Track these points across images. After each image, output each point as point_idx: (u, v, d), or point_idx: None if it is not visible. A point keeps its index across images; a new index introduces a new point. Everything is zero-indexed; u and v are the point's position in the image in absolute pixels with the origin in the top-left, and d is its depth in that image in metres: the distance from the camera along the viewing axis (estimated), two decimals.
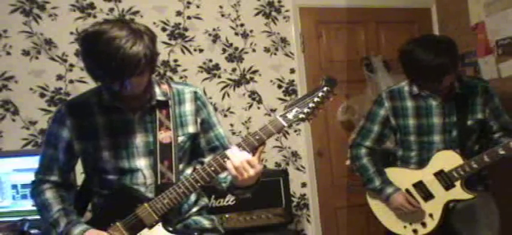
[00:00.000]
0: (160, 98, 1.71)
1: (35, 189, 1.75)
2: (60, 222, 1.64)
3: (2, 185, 2.46)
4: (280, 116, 1.61)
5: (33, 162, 2.45)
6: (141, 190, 1.67)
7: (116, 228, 1.63)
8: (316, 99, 1.61)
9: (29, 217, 2.37)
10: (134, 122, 1.69)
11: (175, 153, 1.69)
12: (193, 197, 1.79)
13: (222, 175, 1.68)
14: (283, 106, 1.68)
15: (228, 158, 1.58)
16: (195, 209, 1.81)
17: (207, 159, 1.77)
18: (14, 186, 2.47)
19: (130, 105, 1.68)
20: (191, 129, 1.75)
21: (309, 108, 1.60)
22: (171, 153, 1.68)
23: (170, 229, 1.65)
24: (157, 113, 1.70)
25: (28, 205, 2.45)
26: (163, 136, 1.69)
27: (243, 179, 1.57)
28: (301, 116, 1.60)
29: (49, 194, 1.71)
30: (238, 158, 1.56)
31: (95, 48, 1.49)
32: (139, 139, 1.69)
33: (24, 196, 2.46)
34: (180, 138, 1.72)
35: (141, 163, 1.69)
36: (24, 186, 2.46)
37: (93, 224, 1.66)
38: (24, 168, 2.47)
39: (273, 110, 3.46)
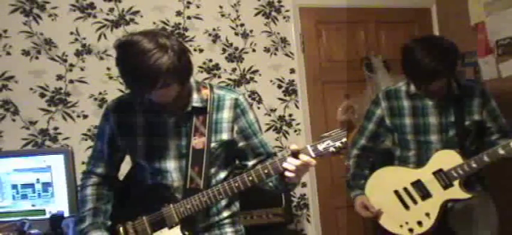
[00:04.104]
0: (196, 104, 1.74)
1: (82, 181, 1.88)
2: (86, 220, 1.76)
3: (2, 185, 2.46)
4: (310, 145, 1.63)
5: (33, 162, 2.47)
6: (171, 191, 1.74)
7: (141, 222, 1.74)
8: (345, 139, 1.64)
9: (29, 217, 2.37)
10: (169, 125, 1.74)
11: (206, 159, 1.73)
12: (224, 201, 1.81)
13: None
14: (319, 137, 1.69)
15: (288, 162, 1.61)
16: (225, 214, 1.83)
17: (251, 163, 1.81)
18: (14, 186, 2.46)
19: (167, 109, 1.72)
20: (225, 136, 1.77)
21: (341, 143, 1.63)
22: (202, 159, 1.73)
23: (186, 233, 1.71)
24: (194, 118, 1.74)
25: (28, 205, 2.45)
26: (197, 142, 1.73)
27: (296, 178, 1.63)
28: (331, 149, 1.63)
29: (89, 191, 1.82)
30: (295, 162, 1.60)
31: (123, 58, 1.57)
32: (171, 142, 1.74)
33: (24, 196, 2.46)
34: (212, 144, 1.75)
35: (171, 165, 1.74)
36: (24, 186, 2.46)
37: (123, 215, 1.78)
38: (24, 168, 2.47)
39: (273, 110, 3.47)
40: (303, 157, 1.59)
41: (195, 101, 1.74)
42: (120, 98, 1.87)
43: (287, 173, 1.61)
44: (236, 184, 1.67)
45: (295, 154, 1.60)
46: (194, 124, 1.74)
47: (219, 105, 1.78)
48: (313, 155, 1.61)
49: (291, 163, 1.60)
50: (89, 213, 1.77)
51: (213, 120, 1.76)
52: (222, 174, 1.80)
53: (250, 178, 1.65)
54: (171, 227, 1.71)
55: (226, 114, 1.78)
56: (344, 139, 1.63)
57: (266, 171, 1.64)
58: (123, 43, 1.58)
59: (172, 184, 1.74)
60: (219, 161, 1.79)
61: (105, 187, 1.84)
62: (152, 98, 1.64)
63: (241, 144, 1.81)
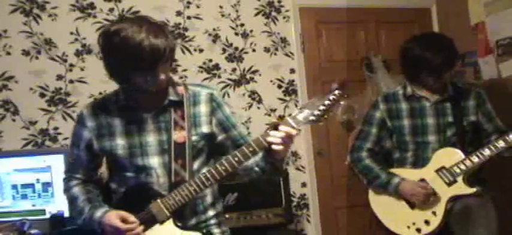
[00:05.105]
0: (173, 98, 1.75)
1: (65, 185, 1.85)
2: (84, 208, 1.73)
3: (2, 185, 2.46)
4: (290, 116, 1.65)
5: (33, 162, 2.47)
6: (155, 188, 1.72)
7: None
8: (327, 102, 1.64)
9: (29, 217, 2.37)
10: (148, 121, 1.74)
11: (188, 152, 1.73)
12: (209, 199, 1.82)
13: (250, 162, 1.71)
14: (297, 107, 1.71)
15: (272, 135, 1.63)
16: (211, 212, 1.83)
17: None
18: (14, 186, 2.47)
19: (144, 105, 1.74)
20: (205, 129, 1.79)
21: (319, 110, 1.64)
22: (184, 152, 1.73)
23: (179, 224, 1.70)
24: (172, 113, 1.75)
25: (28, 205, 2.46)
26: (178, 136, 1.73)
27: (284, 150, 1.65)
28: (311, 118, 1.64)
29: (76, 189, 1.80)
30: (279, 133, 1.62)
31: (121, 42, 1.57)
32: (152, 138, 1.74)
33: (24, 196, 2.47)
34: (194, 138, 1.76)
35: (154, 161, 1.73)
36: (24, 186, 2.46)
37: None
38: (24, 168, 2.47)
39: (273, 110, 3.46)
40: (284, 128, 1.61)
41: (171, 94, 1.75)
42: (93, 102, 1.84)
43: (274, 146, 1.62)
44: (223, 168, 1.66)
45: (275, 128, 1.61)
46: (173, 118, 1.75)
47: (195, 100, 1.79)
48: (294, 125, 1.62)
49: (274, 136, 1.61)
50: (85, 203, 1.75)
51: (191, 113, 1.77)
52: (205, 169, 1.78)
53: (236, 158, 1.65)
54: (162, 222, 1.68)
55: (203, 108, 1.79)
56: (322, 107, 1.63)
57: (251, 149, 1.64)
58: (116, 30, 1.59)
59: (157, 180, 1.73)
60: (201, 157, 1.79)
61: (90, 185, 1.83)
62: (149, 84, 1.64)
63: (220, 137, 1.82)
